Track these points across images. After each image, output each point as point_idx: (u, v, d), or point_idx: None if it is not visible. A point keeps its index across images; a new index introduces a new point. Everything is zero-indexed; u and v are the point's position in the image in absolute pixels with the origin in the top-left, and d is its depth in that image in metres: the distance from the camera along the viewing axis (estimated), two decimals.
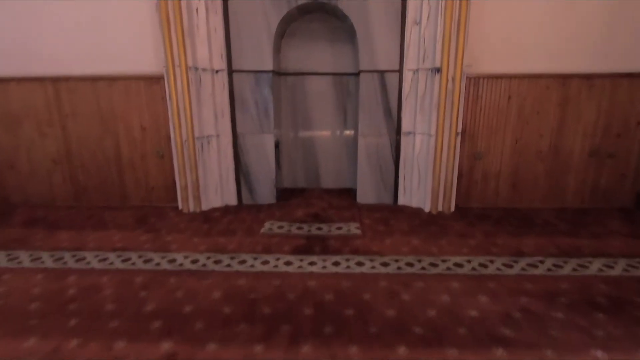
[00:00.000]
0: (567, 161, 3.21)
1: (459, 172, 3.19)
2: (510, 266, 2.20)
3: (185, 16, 2.84)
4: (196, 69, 3.00)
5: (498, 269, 2.17)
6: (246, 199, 3.45)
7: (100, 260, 2.31)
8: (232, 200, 3.43)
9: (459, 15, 2.75)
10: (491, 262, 2.26)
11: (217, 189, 3.32)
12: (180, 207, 3.25)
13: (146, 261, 2.30)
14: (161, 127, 3.22)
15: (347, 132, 3.81)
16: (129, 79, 3.12)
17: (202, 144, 3.15)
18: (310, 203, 3.44)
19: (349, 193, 3.75)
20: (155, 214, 3.19)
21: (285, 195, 3.69)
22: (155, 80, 3.10)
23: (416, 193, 3.29)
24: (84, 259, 2.34)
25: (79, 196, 3.43)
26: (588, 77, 3.01)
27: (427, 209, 3.20)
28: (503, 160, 3.23)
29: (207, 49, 3.01)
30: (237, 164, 3.37)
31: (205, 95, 3.10)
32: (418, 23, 2.98)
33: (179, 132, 3.03)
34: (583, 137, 3.15)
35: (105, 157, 3.32)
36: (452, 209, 3.19)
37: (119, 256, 2.37)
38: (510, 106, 3.11)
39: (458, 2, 2.73)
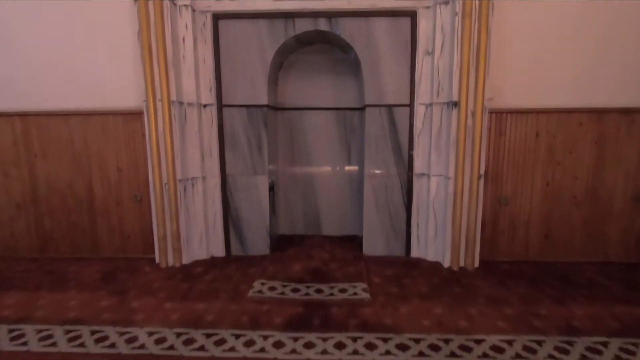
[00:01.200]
0: (607, 207, 2.76)
1: (482, 220, 2.74)
2: (566, 351, 1.70)
3: (169, 45, 2.53)
4: (181, 103, 2.66)
5: (551, 357, 1.66)
6: (236, 250, 2.99)
7: (41, 339, 1.82)
8: (219, 252, 2.97)
9: (478, 43, 2.42)
10: (539, 344, 1.76)
11: (201, 238, 2.87)
12: (157, 260, 2.79)
13: (99, 340, 1.81)
14: (140, 168, 2.83)
15: (351, 172, 3.41)
16: (105, 115, 2.78)
17: (185, 187, 2.74)
18: (309, 254, 2.97)
19: (354, 242, 3.28)
20: (127, 268, 2.72)
21: (281, 243, 3.22)
22: (135, 116, 2.75)
23: (432, 244, 2.82)
24: (21, 336, 1.86)
25: (44, 246, 2.98)
26: (627, 112, 2.63)
27: (446, 264, 2.72)
28: (533, 206, 2.79)
29: (194, 81, 2.68)
30: (225, 210, 2.94)
31: (191, 133, 2.73)
32: (430, 53, 2.66)
33: (158, 174, 2.63)
34: (624, 180, 2.72)
35: (76, 201, 2.91)
36: (477, 263, 2.70)
37: (67, 332, 1.88)
38: (538, 144, 2.71)
39: (476, 28, 2.41)
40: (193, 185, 2.80)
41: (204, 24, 2.71)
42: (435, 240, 2.81)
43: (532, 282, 2.46)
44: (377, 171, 2.87)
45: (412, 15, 2.66)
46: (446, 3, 2.53)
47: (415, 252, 2.92)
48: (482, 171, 2.59)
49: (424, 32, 2.66)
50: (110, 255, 2.96)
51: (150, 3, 2.47)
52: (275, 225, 3.24)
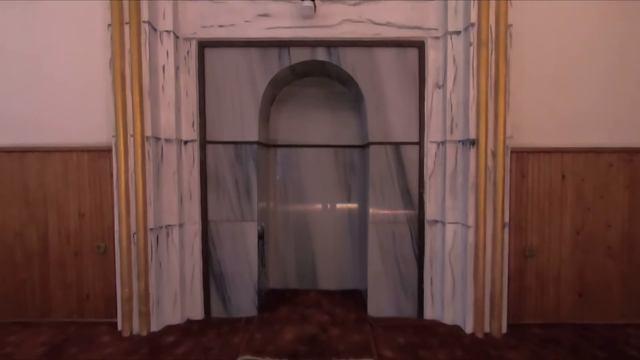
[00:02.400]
0: None
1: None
2: None
3: (146, 74, 2.20)
4: (157, 139, 2.29)
5: None
6: (217, 311, 2.52)
7: None
8: (197, 314, 2.49)
9: (497, 75, 2.16)
10: None
11: (176, 299, 2.40)
12: (119, 327, 2.29)
13: None
14: (106, 213, 2.40)
15: (351, 216, 3.03)
16: (69, 152, 2.39)
17: (158, 237, 2.31)
18: (304, 316, 2.51)
19: (356, 298, 2.83)
20: (82, 337, 2.22)
21: (272, 301, 2.76)
22: (103, 153, 2.37)
23: (450, 304, 2.40)
24: None
25: None
26: None
27: (468, 329, 2.28)
28: (562, 259, 2.42)
29: (174, 114, 2.34)
30: (206, 263, 2.50)
31: (168, 173, 2.35)
32: (441, 86, 2.40)
33: (125, 221, 2.20)
34: None
35: (26, 254, 2.43)
36: (504, 328, 2.28)
37: None
38: (565, 188, 2.40)
39: (494, 59, 2.16)
40: (168, 234, 2.37)
41: (188, 52, 2.42)
42: (453, 300, 2.39)
43: (572, 352, 2.04)
44: (383, 217, 2.49)
45: (419, 45, 2.42)
46: (458, 33, 2.30)
47: (429, 313, 2.48)
48: (507, 219, 2.24)
49: (434, 64, 2.41)
50: (64, 319, 2.45)
51: (127, 28, 2.17)
52: (264, 279, 2.79)
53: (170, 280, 2.39)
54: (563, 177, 2.39)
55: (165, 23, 2.30)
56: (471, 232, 2.25)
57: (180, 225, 2.42)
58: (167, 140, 2.34)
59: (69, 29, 2.34)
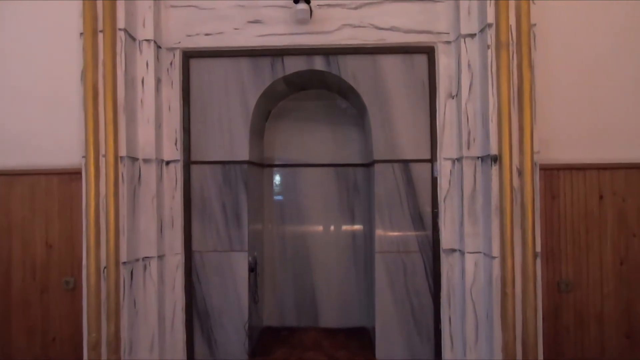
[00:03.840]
0: None
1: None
2: None
3: (121, 88, 1.96)
4: (134, 159, 2.03)
5: None
6: (202, 354, 2.20)
7: None
8: (178, 358, 2.15)
9: (520, 81, 1.87)
10: None
11: (153, 342, 2.07)
12: None
13: None
14: (76, 244, 2.13)
15: (355, 243, 2.71)
16: (36, 175, 2.14)
17: (132, 271, 2.01)
18: None
19: (364, 338, 2.48)
20: None
21: (266, 341, 2.42)
22: (75, 176, 2.12)
23: (474, 349, 2.04)
24: None
25: None
26: None
27: None
28: (604, 294, 2.07)
29: (154, 132, 2.09)
30: (189, 300, 2.20)
31: (146, 197, 2.08)
32: (455, 96, 2.12)
33: (94, 255, 1.91)
34: None
35: None
36: None
37: None
38: (603, 210, 2.07)
39: (516, 63, 1.88)
40: (145, 267, 2.07)
41: (171, 63, 2.19)
42: (477, 344, 2.03)
43: None
44: (392, 245, 2.18)
45: (429, 51, 2.17)
46: (472, 35, 2.03)
47: (449, 357, 2.12)
48: (539, 248, 1.90)
49: (445, 71, 2.14)
50: None
51: (101, 36, 1.94)
52: (256, 317, 2.45)
53: (147, 320, 2.07)
54: (601, 197, 2.06)
55: (145, 31, 2.08)
56: (496, 263, 1.91)
57: (160, 257, 2.12)
58: (146, 161, 2.08)
59: (40, 37, 2.15)
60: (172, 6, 2.19)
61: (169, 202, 2.18)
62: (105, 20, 1.93)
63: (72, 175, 2.12)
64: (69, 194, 2.14)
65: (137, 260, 2.04)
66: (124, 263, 1.96)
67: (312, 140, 2.71)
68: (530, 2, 1.88)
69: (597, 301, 2.07)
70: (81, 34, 1.95)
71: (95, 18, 1.94)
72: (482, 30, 1.98)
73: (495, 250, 1.91)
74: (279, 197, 2.75)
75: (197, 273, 2.21)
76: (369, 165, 2.47)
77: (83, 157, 1.95)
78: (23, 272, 2.15)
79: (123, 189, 1.97)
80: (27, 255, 2.15)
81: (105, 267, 1.93)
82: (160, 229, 2.13)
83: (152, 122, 2.09)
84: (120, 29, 1.96)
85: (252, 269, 2.29)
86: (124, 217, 1.97)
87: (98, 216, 1.93)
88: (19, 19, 2.16)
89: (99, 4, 1.94)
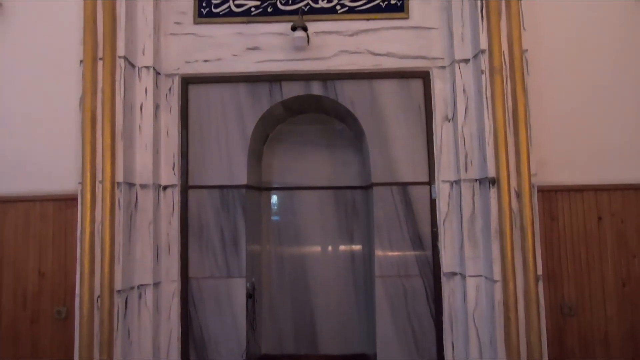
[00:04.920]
0: None
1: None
2: None
3: (119, 114, 1.96)
4: (131, 185, 2.02)
5: None
6: None
7: None
8: None
9: (514, 104, 1.90)
10: None
11: None
12: None
13: None
14: (70, 272, 2.08)
15: (355, 266, 2.67)
16: (31, 201, 2.11)
17: (127, 300, 1.96)
18: None
19: None
20: None
21: None
22: (71, 202, 2.08)
23: None
24: None
25: None
26: None
27: None
28: (608, 316, 2.04)
29: (152, 157, 2.09)
30: (185, 328, 2.14)
31: (142, 223, 2.05)
32: (451, 119, 2.15)
33: (88, 283, 1.86)
34: None
35: None
36: None
37: None
38: (602, 231, 2.07)
39: (510, 88, 1.92)
40: (140, 295, 2.02)
41: (170, 89, 2.22)
42: None
43: None
44: (392, 269, 2.16)
45: (424, 76, 2.21)
46: (466, 61, 2.08)
47: None
48: (540, 271, 1.88)
49: (441, 95, 2.18)
50: None
51: (100, 64, 1.96)
52: (254, 345, 2.38)
53: (142, 350, 2.01)
54: (599, 218, 2.06)
55: (145, 59, 2.11)
56: (498, 287, 1.89)
57: (156, 285, 2.07)
58: (143, 186, 2.06)
59: (39, 63, 2.16)
60: (172, 34, 2.23)
61: (166, 228, 2.15)
62: (105, 48, 1.95)
63: (68, 201, 2.09)
64: (64, 221, 2.10)
65: (132, 288, 2.00)
66: (119, 291, 1.91)
67: (310, 163, 2.71)
68: (521, 29, 1.94)
69: (601, 324, 2.03)
70: (81, 61, 1.97)
71: (95, 46, 1.96)
72: (475, 56, 2.03)
73: (497, 274, 1.89)
74: (278, 221, 2.73)
75: (193, 300, 2.16)
76: (367, 187, 2.47)
77: (79, 183, 1.92)
78: (14, 302, 2.09)
79: (119, 215, 1.95)
80: (18, 284, 2.09)
81: (99, 296, 1.88)
82: (157, 256, 2.10)
83: (150, 148, 2.09)
84: (120, 57, 1.99)
85: (250, 296, 2.24)
86: (119, 243, 1.93)
87: (93, 243, 1.89)
88: (19, 46, 2.17)
89: (100, 32, 1.97)
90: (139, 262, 2.03)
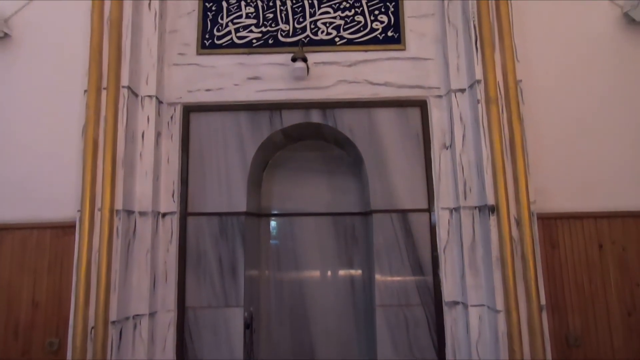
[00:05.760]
0: None
1: None
2: None
3: (121, 142, 1.99)
4: (130, 212, 2.01)
5: None
6: None
7: None
8: None
9: (511, 133, 1.94)
10: None
11: None
12: None
13: None
14: (64, 302, 2.03)
15: (355, 293, 2.62)
16: (29, 228, 2.09)
17: (121, 331, 1.91)
18: None
19: None
20: None
21: None
22: (69, 230, 2.07)
23: None
24: None
25: None
26: None
27: None
28: (615, 347, 1.99)
29: (152, 184, 2.09)
30: (181, 359, 2.07)
31: (140, 251, 2.03)
32: (449, 147, 2.18)
33: (82, 313, 1.82)
34: None
35: None
36: None
37: None
38: (604, 259, 2.05)
39: (506, 116, 1.96)
40: (135, 326, 1.97)
41: (171, 117, 2.25)
42: None
43: None
44: (392, 298, 2.12)
45: (421, 105, 2.25)
46: (462, 90, 2.13)
47: None
48: (544, 300, 1.85)
49: (438, 123, 2.21)
50: None
51: (104, 93, 2.00)
52: None
53: None
54: (600, 246, 2.05)
55: (148, 88, 2.15)
56: (501, 317, 1.85)
57: (151, 315, 2.03)
58: (142, 214, 2.05)
59: (45, 93, 2.19)
60: (175, 64, 2.29)
61: (164, 256, 2.13)
62: (109, 79, 2.00)
63: (66, 228, 2.07)
64: (61, 248, 2.08)
65: (127, 318, 1.95)
66: (113, 322, 1.86)
67: (309, 189, 2.71)
68: (515, 60, 2.00)
69: (608, 354, 1.98)
70: (85, 91, 2.01)
71: (100, 76, 2.01)
72: (471, 86, 2.08)
73: (499, 304, 1.86)
74: (277, 247, 2.70)
75: (189, 331, 2.10)
76: (366, 214, 2.46)
77: (78, 210, 1.93)
78: (5, 331, 2.02)
79: (117, 243, 1.93)
80: (11, 314, 2.04)
81: (93, 327, 1.84)
82: (153, 284, 2.06)
83: (150, 175, 2.10)
84: (123, 86, 2.03)
85: (248, 326, 2.18)
86: (116, 272, 1.91)
87: (89, 272, 1.87)
88: (26, 75, 2.21)
89: (105, 63, 2.02)
90: (135, 291, 1.99)
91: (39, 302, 2.05)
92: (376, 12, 2.31)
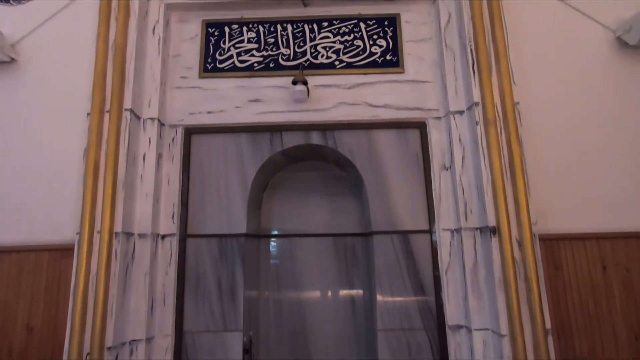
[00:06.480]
0: None
1: None
2: None
3: (122, 164, 1.99)
4: (129, 234, 2.00)
5: None
6: None
7: None
8: None
9: (510, 154, 1.95)
10: None
11: None
12: None
13: None
14: (60, 326, 2.00)
15: (356, 317, 2.57)
16: (26, 251, 2.07)
17: (117, 356, 1.86)
18: None
19: None
20: None
21: None
22: (67, 252, 2.05)
23: None
24: None
25: None
26: None
27: None
28: None
29: (152, 206, 2.08)
30: None
31: (138, 274, 2.01)
32: (449, 168, 2.18)
33: (78, 338, 1.78)
34: None
35: None
36: None
37: None
38: (608, 281, 2.02)
39: (504, 138, 1.97)
40: (131, 352, 1.93)
41: (173, 139, 2.27)
42: None
43: None
44: (394, 322, 2.08)
45: (420, 126, 2.27)
46: (461, 112, 2.15)
47: None
48: (549, 324, 1.82)
49: (438, 145, 2.23)
50: None
51: (107, 116, 2.03)
52: None
53: None
54: (604, 267, 2.03)
55: (150, 111, 2.18)
56: (506, 342, 1.81)
57: (149, 340, 1.98)
58: (141, 236, 2.04)
59: (48, 116, 2.22)
60: (178, 87, 2.33)
61: (162, 278, 2.10)
62: (112, 102, 2.03)
63: (64, 251, 2.06)
64: (59, 271, 2.06)
65: (124, 344, 1.91)
66: (109, 348, 1.82)
67: (309, 209, 2.70)
68: (512, 83, 2.03)
69: None
70: (88, 114, 2.03)
71: (103, 100, 2.04)
72: (469, 108, 2.10)
73: (504, 328, 1.82)
74: (276, 269, 2.67)
75: (187, 356, 2.05)
76: (367, 235, 2.45)
77: (77, 233, 1.92)
78: None
79: (115, 266, 1.91)
80: (4, 338, 2.00)
81: (88, 353, 1.79)
82: (151, 308, 2.02)
83: (151, 197, 2.09)
84: (126, 109, 2.06)
85: (247, 351, 2.13)
86: (113, 296, 1.88)
87: (86, 295, 1.85)
88: (30, 99, 2.25)
89: (108, 87, 2.06)
90: (132, 315, 1.96)
91: (34, 326, 2.01)
92: (375, 36, 2.36)
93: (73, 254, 2.01)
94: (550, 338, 1.80)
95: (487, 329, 1.93)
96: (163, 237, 2.14)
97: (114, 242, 1.92)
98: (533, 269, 1.83)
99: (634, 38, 2.14)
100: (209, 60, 2.36)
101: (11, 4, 2.30)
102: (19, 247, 2.07)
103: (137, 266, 2.01)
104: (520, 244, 1.88)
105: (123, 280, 1.94)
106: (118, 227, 1.94)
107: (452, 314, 2.04)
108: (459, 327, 2.03)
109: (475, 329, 1.94)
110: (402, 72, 2.31)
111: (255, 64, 2.35)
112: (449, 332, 2.04)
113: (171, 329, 2.05)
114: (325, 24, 2.40)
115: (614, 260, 2.03)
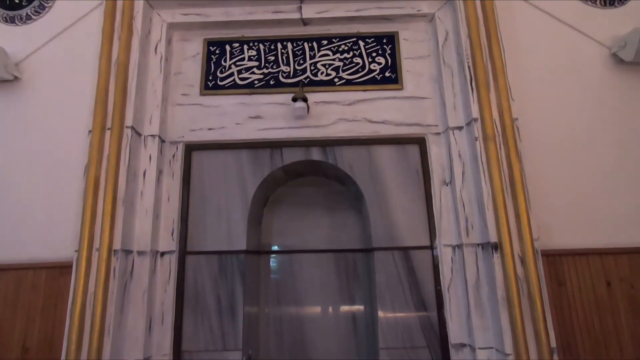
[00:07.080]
0: None
1: None
2: None
3: (122, 181, 2.00)
4: (128, 252, 1.99)
5: None
6: None
7: None
8: None
9: (510, 170, 1.95)
10: None
11: None
12: None
13: None
14: (56, 346, 1.95)
15: (357, 335, 2.52)
16: (24, 269, 2.05)
17: None
18: None
19: None
20: None
21: None
22: (65, 270, 2.03)
23: None
24: None
25: None
26: None
27: None
28: None
29: (151, 223, 2.08)
30: None
31: (137, 292, 1.98)
32: (449, 183, 2.18)
33: (73, 359, 1.75)
34: None
35: None
36: None
37: None
38: (613, 297, 1.99)
39: (504, 153, 1.98)
40: None
41: (173, 156, 2.27)
42: None
43: None
44: (396, 340, 2.04)
45: (420, 142, 2.28)
46: (460, 128, 2.17)
47: None
48: (554, 342, 1.78)
49: (437, 160, 2.23)
50: None
51: (108, 133, 2.04)
52: None
53: None
54: (608, 283, 2.00)
55: (151, 128, 2.19)
56: None
57: None
58: (140, 253, 2.03)
59: (49, 133, 2.21)
60: (179, 104, 2.35)
61: (161, 296, 2.07)
62: (114, 119, 2.05)
63: (62, 269, 2.03)
64: (56, 290, 2.03)
65: None
66: None
67: (310, 225, 2.68)
68: (510, 99, 2.05)
69: None
70: (90, 131, 2.05)
71: (105, 117, 2.06)
72: (468, 124, 2.12)
73: (508, 347, 1.79)
74: (277, 285, 2.63)
75: None
76: (367, 250, 2.43)
77: (76, 250, 1.90)
78: None
79: (113, 284, 1.89)
80: None
81: None
82: (149, 327, 1.99)
83: (150, 213, 2.09)
84: (127, 126, 2.07)
85: None
86: (111, 315, 1.85)
87: (83, 315, 1.82)
88: (32, 116, 2.25)
89: (110, 104, 2.08)
90: (130, 333, 1.93)
91: (29, 346, 1.97)
92: (374, 54, 2.40)
93: (71, 271, 1.99)
94: (555, 357, 1.77)
95: (491, 348, 1.89)
96: (162, 254, 2.13)
97: (113, 260, 1.91)
98: (536, 285, 1.81)
99: (629, 54, 2.17)
100: (210, 77, 2.39)
101: (17, 24, 2.35)
102: (17, 265, 2.05)
103: (135, 284, 1.99)
104: (523, 260, 1.86)
105: (121, 299, 1.92)
106: (117, 245, 1.92)
107: (455, 332, 2.01)
108: (462, 345, 1.99)
109: (479, 348, 1.91)
110: (401, 89, 2.34)
111: (256, 82, 2.38)
112: (452, 351, 2.00)
113: (169, 348, 2.02)
114: (325, 42, 2.44)
115: (618, 275, 2.01)
